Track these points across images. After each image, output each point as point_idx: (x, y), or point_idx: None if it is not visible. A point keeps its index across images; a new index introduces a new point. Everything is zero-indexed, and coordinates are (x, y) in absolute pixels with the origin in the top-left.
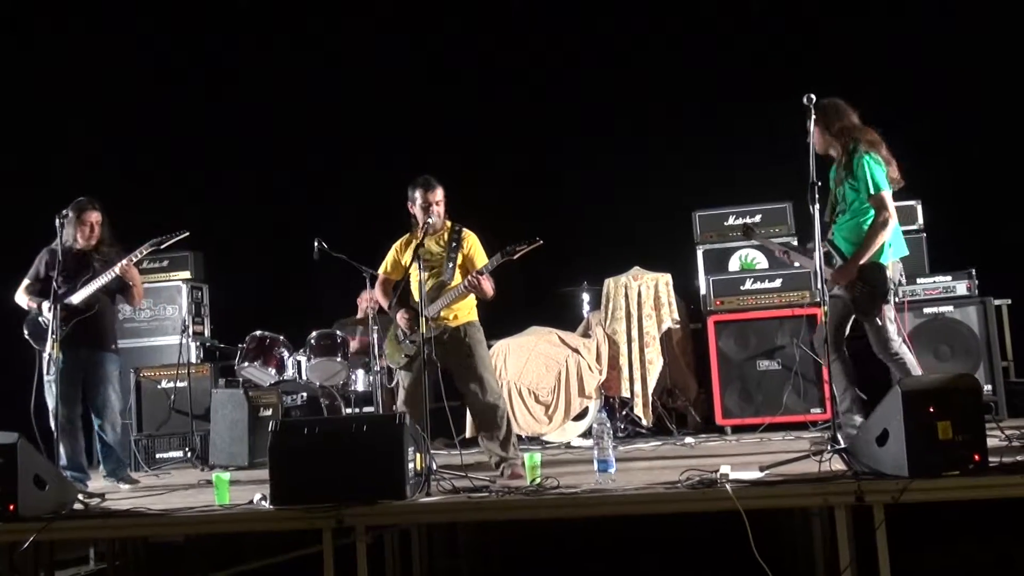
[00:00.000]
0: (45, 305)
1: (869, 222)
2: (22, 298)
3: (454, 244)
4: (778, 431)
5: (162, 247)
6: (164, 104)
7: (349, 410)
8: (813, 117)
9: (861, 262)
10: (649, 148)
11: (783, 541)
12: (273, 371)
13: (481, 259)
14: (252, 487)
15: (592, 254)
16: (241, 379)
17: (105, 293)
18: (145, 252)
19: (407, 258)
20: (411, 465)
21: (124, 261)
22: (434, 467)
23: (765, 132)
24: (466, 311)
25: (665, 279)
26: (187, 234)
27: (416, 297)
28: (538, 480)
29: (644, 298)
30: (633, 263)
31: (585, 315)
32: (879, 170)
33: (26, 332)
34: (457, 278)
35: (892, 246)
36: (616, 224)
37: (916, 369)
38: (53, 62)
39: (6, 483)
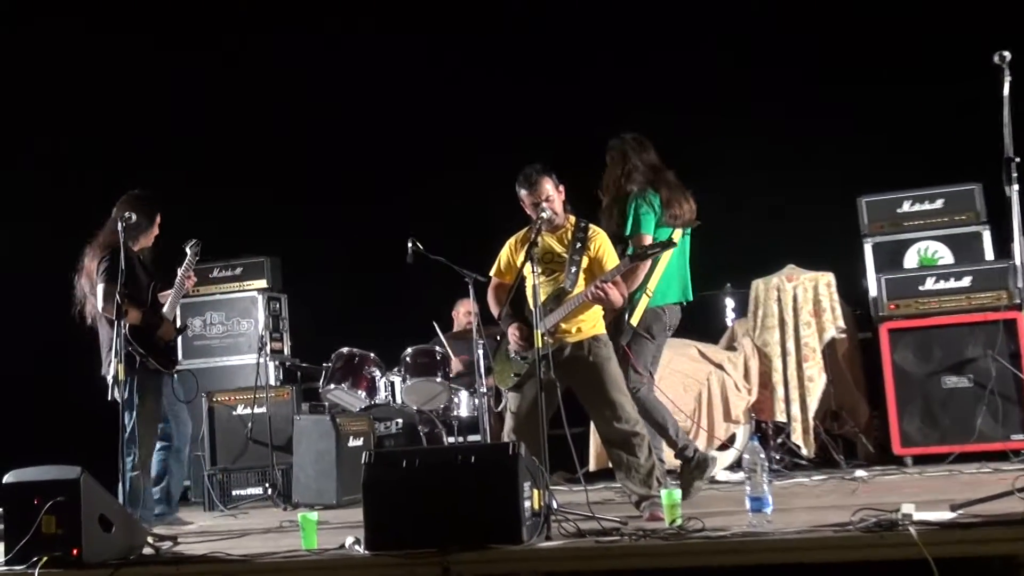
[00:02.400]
0: (167, 323)
1: None
2: (137, 315)
3: (579, 244)
4: (971, 462)
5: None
6: (238, 98)
7: (452, 439)
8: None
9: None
10: (805, 121)
11: None
12: (363, 394)
13: (612, 261)
14: (343, 529)
15: (737, 251)
16: (327, 404)
17: None
18: (196, 259)
19: (522, 258)
20: (527, 503)
21: (191, 272)
22: (554, 506)
23: (946, 102)
24: (591, 323)
25: (826, 279)
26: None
27: (531, 306)
28: (679, 521)
29: (801, 302)
30: (787, 261)
31: (729, 324)
32: (646, 212)
33: (144, 351)
34: (581, 284)
35: (649, 291)
36: (765, 214)
37: (655, 411)
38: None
39: (69, 524)
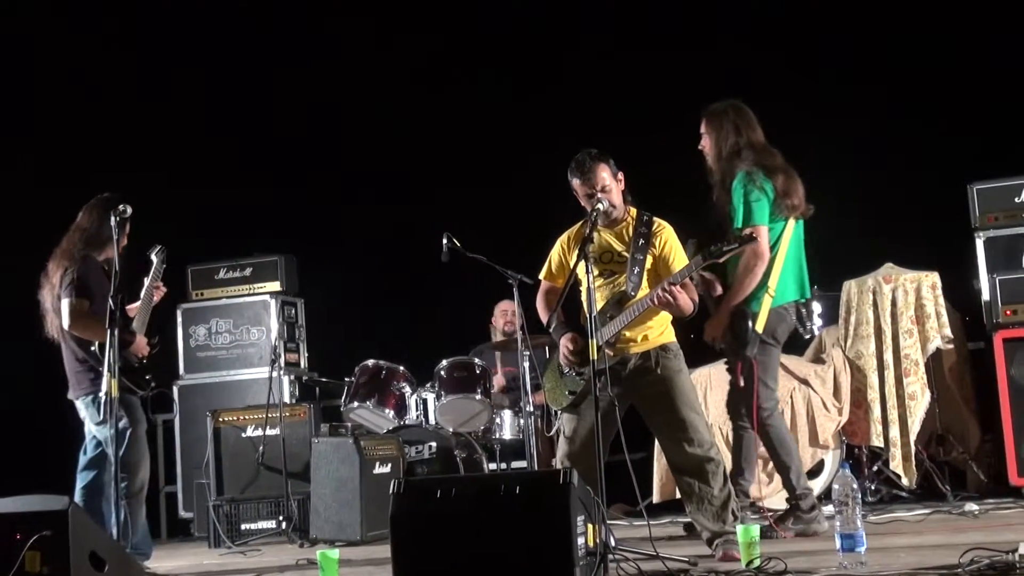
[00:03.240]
0: (140, 339)
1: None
2: (93, 326)
3: (641, 241)
4: None
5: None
6: (254, 88)
7: (493, 465)
8: (704, 123)
9: (731, 305)
10: (906, 99)
11: None
12: (392, 413)
13: (681, 261)
14: (368, 569)
15: (825, 247)
16: (350, 424)
17: None
18: (163, 267)
19: (576, 258)
20: (581, 540)
21: (158, 282)
22: (612, 543)
23: None
24: (658, 331)
25: (931, 280)
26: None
27: (586, 312)
28: (757, 562)
29: (901, 307)
30: (884, 259)
31: (816, 332)
32: (759, 199)
33: (145, 376)
34: (645, 287)
35: (771, 290)
36: (857, 205)
37: (751, 451)
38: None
39: (56, 562)
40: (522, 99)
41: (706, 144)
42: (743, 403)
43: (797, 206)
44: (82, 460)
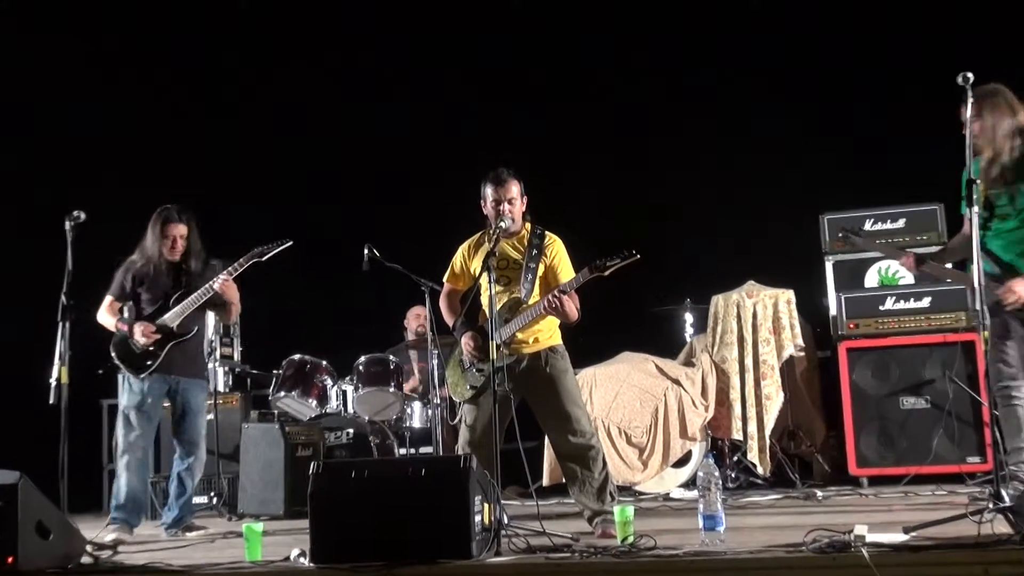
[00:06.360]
0: (138, 328)
1: None
2: (107, 318)
3: (535, 251)
4: (926, 484)
5: (263, 259)
6: (193, 100)
7: (403, 450)
8: (971, 104)
9: None
10: (766, 139)
11: None
12: (314, 402)
13: (567, 272)
14: (289, 540)
15: (697, 266)
16: (276, 412)
17: (198, 311)
18: (245, 265)
19: (476, 265)
20: (478, 518)
21: (223, 277)
22: (505, 520)
23: (910, 122)
24: (547, 334)
25: (786, 296)
26: (290, 243)
27: (487, 315)
28: (631, 539)
29: (760, 319)
30: (747, 277)
31: (688, 339)
32: None
33: (115, 356)
34: (536, 294)
35: None
36: (727, 230)
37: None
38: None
39: (5, 530)
40: (450, 127)
41: (977, 126)
42: None
43: None
44: None
